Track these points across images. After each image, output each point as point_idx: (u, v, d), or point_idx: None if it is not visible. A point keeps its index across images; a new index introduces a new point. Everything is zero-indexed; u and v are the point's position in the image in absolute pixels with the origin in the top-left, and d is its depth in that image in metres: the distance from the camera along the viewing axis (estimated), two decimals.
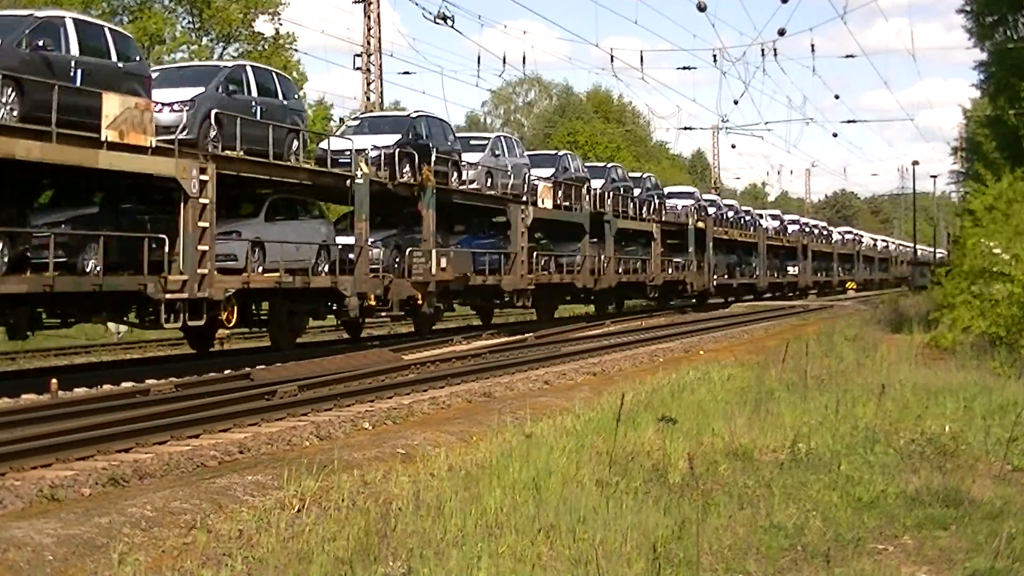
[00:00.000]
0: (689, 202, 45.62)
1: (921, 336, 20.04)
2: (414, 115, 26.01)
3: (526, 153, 33.06)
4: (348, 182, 21.66)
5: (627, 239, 38.20)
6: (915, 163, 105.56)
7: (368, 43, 38.55)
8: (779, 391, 12.57)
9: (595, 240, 34.20)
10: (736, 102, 53.30)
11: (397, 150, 23.33)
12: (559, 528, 6.68)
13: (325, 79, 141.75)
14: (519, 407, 12.67)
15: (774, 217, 60.70)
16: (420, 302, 23.79)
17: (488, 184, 27.96)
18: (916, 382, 12.86)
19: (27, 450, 9.95)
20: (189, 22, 45.81)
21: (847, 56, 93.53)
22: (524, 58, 63.30)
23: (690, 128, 69.28)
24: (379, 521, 6.95)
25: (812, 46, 36.98)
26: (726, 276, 48.09)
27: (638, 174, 43.56)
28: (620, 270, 36.63)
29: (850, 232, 77.59)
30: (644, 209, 39.29)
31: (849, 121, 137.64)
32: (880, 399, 11.08)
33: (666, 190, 46.09)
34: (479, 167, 27.68)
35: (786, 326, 30.98)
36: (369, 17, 38.59)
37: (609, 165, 39.73)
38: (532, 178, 30.70)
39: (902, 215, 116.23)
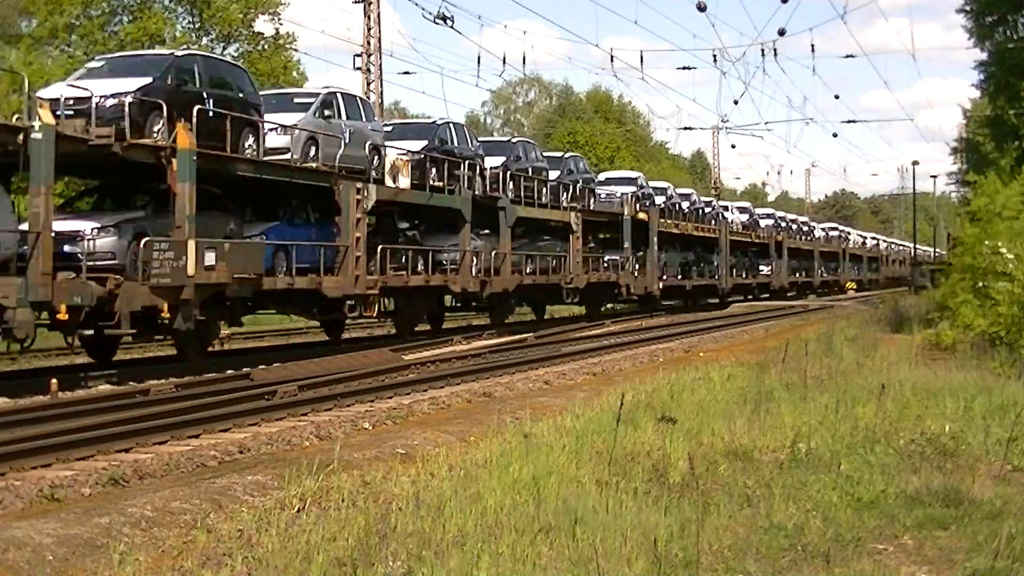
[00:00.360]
0: (628, 189, 38.57)
1: (921, 335, 20.05)
2: (180, 54, 19.19)
3: (389, 122, 27.84)
4: (21, 138, 14.64)
5: (542, 232, 31.95)
6: (915, 163, 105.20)
7: (368, 43, 38.51)
8: (779, 391, 12.56)
9: (487, 232, 28.01)
10: (736, 102, 53.11)
11: (132, 98, 16.33)
12: (559, 528, 6.68)
13: (325, 79, 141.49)
14: (519, 407, 12.68)
15: (742, 210, 54.10)
16: (167, 315, 16.61)
17: (311, 154, 20.72)
18: (916, 382, 12.86)
19: (27, 450, 9.95)
20: (189, 22, 45.93)
21: (847, 56, 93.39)
22: (524, 58, 63.20)
23: (690, 128, 68.91)
24: (379, 521, 6.97)
25: (812, 46, 37.14)
26: (679, 276, 41.68)
27: (559, 154, 36.42)
28: (526, 270, 29.69)
29: (835, 228, 71.83)
30: (563, 195, 32.87)
31: (849, 121, 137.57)
32: (880, 399, 11.07)
33: (602, 175, 41.01)
34: (295, 131, 20.36)
35: (786, 326, 30.97)
36: (369, 17, 38.56)
37: (514, 140, 32.80)
38: (399, 152, 24.32)
39: (902, 215, 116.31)
